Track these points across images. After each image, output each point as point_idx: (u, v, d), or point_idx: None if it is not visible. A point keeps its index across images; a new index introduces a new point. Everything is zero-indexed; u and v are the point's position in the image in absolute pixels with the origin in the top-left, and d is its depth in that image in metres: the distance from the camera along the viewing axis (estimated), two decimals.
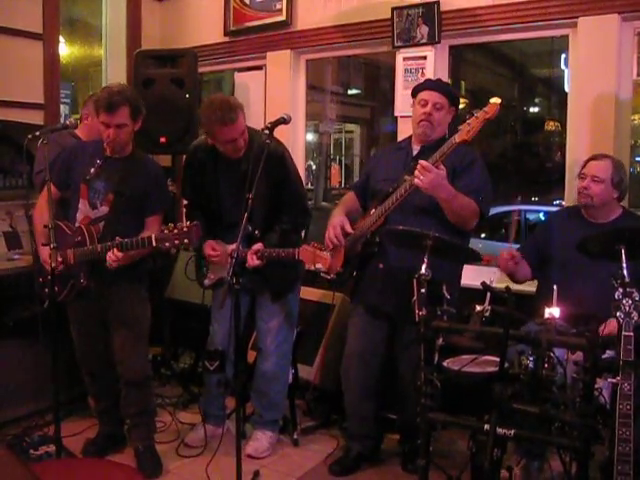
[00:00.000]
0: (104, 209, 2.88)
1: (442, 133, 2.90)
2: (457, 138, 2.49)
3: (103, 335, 3.02)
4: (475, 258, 2.65)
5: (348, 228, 2.90)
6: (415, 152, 2.92)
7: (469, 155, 2.82)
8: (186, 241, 2.54)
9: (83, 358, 3.10)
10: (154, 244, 2.59)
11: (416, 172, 2.55)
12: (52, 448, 2.96)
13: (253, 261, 2.88)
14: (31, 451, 3.06)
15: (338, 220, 2.92)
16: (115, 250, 2.67)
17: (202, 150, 3.10)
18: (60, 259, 2.69)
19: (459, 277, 2.96)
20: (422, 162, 2.54)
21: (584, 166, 2.86)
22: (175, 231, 2.53)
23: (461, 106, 3.19)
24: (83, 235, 2.81)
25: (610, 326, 2.28)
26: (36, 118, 4.00)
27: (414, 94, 2.96)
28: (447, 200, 2.66)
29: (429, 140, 2.88)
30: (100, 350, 3.05)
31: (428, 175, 2.52)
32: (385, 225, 2.79)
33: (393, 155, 3.05)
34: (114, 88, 2.83)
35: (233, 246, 2.53)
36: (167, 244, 2.56)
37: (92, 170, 2.89)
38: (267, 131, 2.64)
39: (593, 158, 2.86)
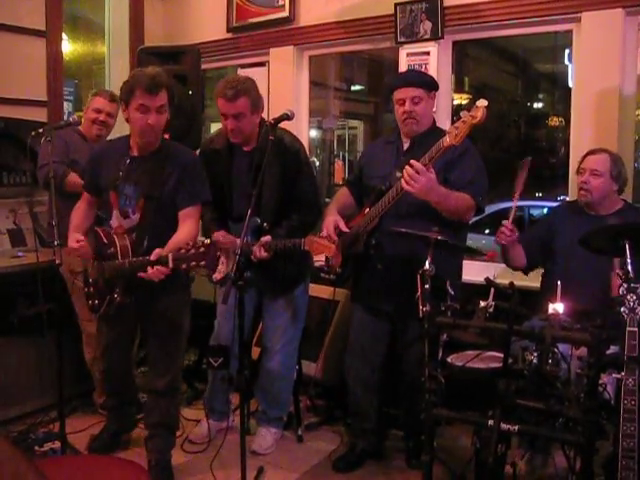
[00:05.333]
0: (136, 217, 2.68)
1: (429, 123, 2.89)
2: (445, 142, 2.46)
3: (133, 339, 3.00)
4: (475, 254, 2.64)
5: (343, 227, 2.88)
6: (405, 146, 2.91)
7: (461, 145, 2.69)
8: (202, 264, 2.37)
9: (104, 357, 2.97)
10: (171, 265, 2.39)
11: (405, 175, 2.51)
12: (57, 445, 2.97)
13: (260, 253, 2.87)
14: (36, 447, 3.05)
15: (332, 219, 2.92)
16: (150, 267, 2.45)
17: (217, 140, 3.11)
18: (92, 271, 2.67)
19: (460, 272, 2.95)
20: (413, 162, 2.50)
21: (582, 161, 2.86)
22: (192, 251, 2.35)
23: (464, 102, 3.18)
24: (115, 247, 2.60)
25: None
26: (39, 115, 4.00)
27: (390, 92, 2.91)
28: (439, 202, 2.64)
29: (417, 133, 2.86)
30: (127, 354, 3.00)
31: (420, 179, 2.49)
32: (380, 226, 2.78)
33: (384, 150, 3.03)
34: (150, 71, 2.62)
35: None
36: (184, 266, 2.37)
37: (120, 174, 2.69)
38: (271, 127, 2.64)
39: (591, 152, 2.86)
